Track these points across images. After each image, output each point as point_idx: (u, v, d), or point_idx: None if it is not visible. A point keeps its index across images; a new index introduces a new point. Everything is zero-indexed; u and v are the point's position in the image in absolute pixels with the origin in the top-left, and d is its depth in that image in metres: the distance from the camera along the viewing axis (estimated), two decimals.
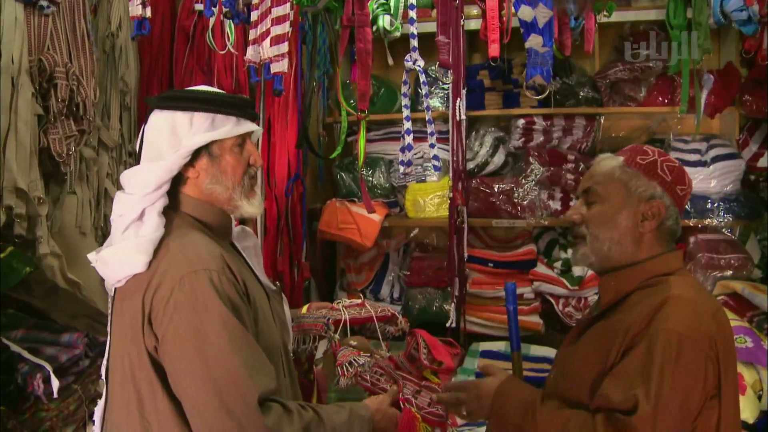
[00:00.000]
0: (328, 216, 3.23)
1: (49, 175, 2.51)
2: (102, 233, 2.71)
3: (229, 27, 2.35)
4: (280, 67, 1.98)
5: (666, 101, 3.05)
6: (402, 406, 1.74)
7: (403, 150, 2.44)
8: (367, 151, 3.30)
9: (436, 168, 2.56)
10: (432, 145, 2.54)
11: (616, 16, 2.99)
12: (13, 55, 2.26)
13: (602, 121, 3.17)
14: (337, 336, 1.90)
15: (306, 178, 3.20)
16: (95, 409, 1.61)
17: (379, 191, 3.30)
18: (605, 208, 1.54)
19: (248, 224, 3.01)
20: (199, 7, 2.82)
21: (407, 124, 2.43)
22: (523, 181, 3.11)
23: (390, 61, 3.04)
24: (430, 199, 3.18)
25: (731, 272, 2.89)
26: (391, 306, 3.25)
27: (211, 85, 2.85)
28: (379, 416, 1.64)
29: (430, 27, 2.70)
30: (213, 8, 2.24)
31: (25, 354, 2.13)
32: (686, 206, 1.57)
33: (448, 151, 2.90)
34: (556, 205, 3.12)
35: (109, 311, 1.55)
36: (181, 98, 1.53)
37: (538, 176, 3.09)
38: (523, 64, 2.75)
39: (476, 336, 3.13)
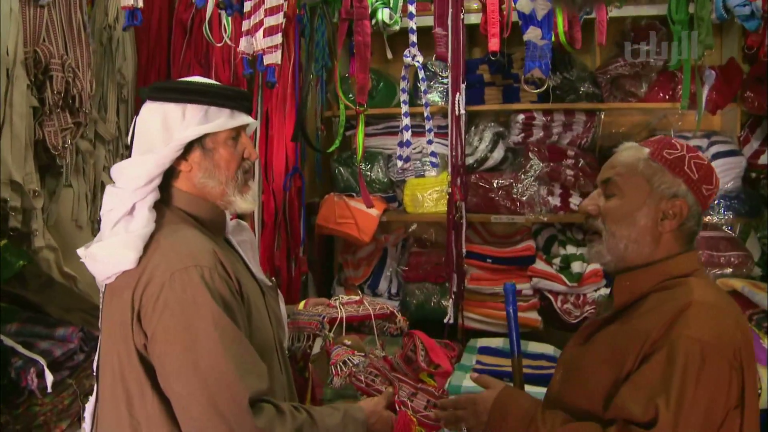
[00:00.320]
0: (326, 210, 3.21)
1: (45, 167, 2.50)
2: (98, 226, 2.69)
3: (226, 19, 2.32)
4: (273, 58, 1.96)
5: (667, 97, 3.02)
6: (398, 408, 1.71)
7: (401, 145, 2.43)
8: (366, 145, 3.28)
9: (433, 164, 2.55)
10: (430, 142, 2.53)
11: (617, 11, 2.96)
12: (8, 46, 2.24)
13: (602, 116, 3.15)
14: (331, 335, 1.87)
15: (304, 172, 3.18)
16: (86, 406, 1.59)
17: (377, 186, 3.27)
18: (624, 203, 1.45)
19: (246, 219, 2.99)
20: None
21: (406, 120, 2.42)
22: (523, 176, 3.09)
23: (389, 55, 3.02)
24: (428, 195, 3.16)
25: (731, 270, 2.87)
26: (389, 301, 3.25)
27: (209, 78, 2.82)
28: (374, 419, 1.61)
29: (430, 21, 2.67)
30: None
31: (19, 348, 2.12)
32: (710, 205, 1.55)
33: (446, 146, 2.88)
34: (555, 201, 3.10)
35: (101, 308, 1.53)
36: (173, 89, 1.49)
37: (537, 172, 3.07)
38: (523, 58, 2.72)
39: (474, 332, 3.11)
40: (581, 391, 1.42)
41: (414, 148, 3.10)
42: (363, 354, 1.83)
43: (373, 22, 2.89)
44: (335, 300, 2.01)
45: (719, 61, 3.15)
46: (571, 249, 3.10)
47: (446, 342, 2.08)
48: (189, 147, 1.47)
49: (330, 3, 2.50)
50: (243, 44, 1.98)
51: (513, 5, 2.46)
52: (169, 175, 1.49)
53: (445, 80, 3.11)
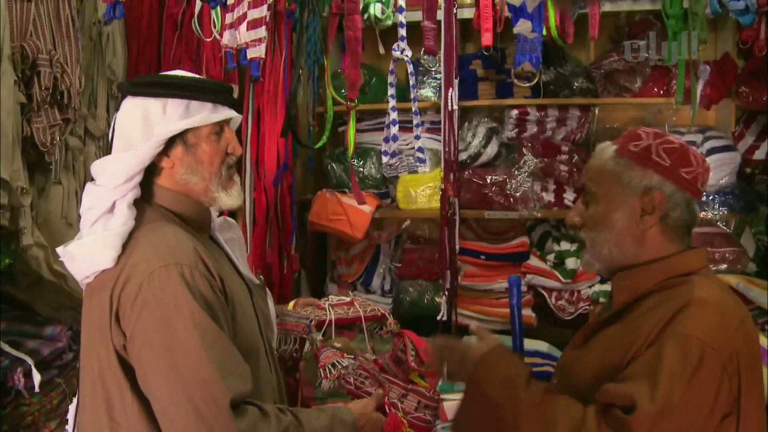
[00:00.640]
0: (319, 207, 3.19)
1: (34, 164, 2.47)
2: None
3: (216, 14, 2.29)
4: (257, 52, 1.93)
5: (661, 92, 3.00)
6: (387, 410, 1.68)
7: (387, 140, 2.40)
8: (358, 141, 3.26)
9: (420, 160, 2.52)
10: (417, 137, 2.51)
11: (612, 6, 2.95)
12: None
13: (597, 112, 3.13)
14: (319, 337, 1.85)
15: (296, 168, 3.16)
16: (69, 408, 1.57)
17: (370, 182, 3.25)
18: (600, 207, 1.40)
19: (238, 215, 2.97)
20: None
21: (393, 115, 2.40)
22: (516, 172, 3.07)
23: (381, 50, 3.01)
24: (421, 191, 3.14)
25: (726, 266, 2.86)
26: (382, 299, 3.23)
27: (200, 73, 2.80)
28: (363, 421, 1.58)
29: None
30: None
31: (6, 347, 2.10)
32: (702, 188, 1.39)
33: (439, 141, 2.86)
34: (549, 196, 3.08)
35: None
36: (153, 84, 1.46)
37: (531, 167, 3.05)
38: None
39: (468, 329, 3.09)
40: (579, 396, 1.33)
41: (407, 144, 3.08)
42: (352, 356, 1.81)
43: (365, 17, 2.88)
44: (325, 301, 1.98)
45: (714, 56, 3.13)
46: (565, 245, 3.09)
47: None
48: (170, 143, 1.44)
49: None
50: (226, 37, 1.96)
51: (506, 0, 2.44)
52: (151, 172, 1.46)
53: (438, 75, 3.08)
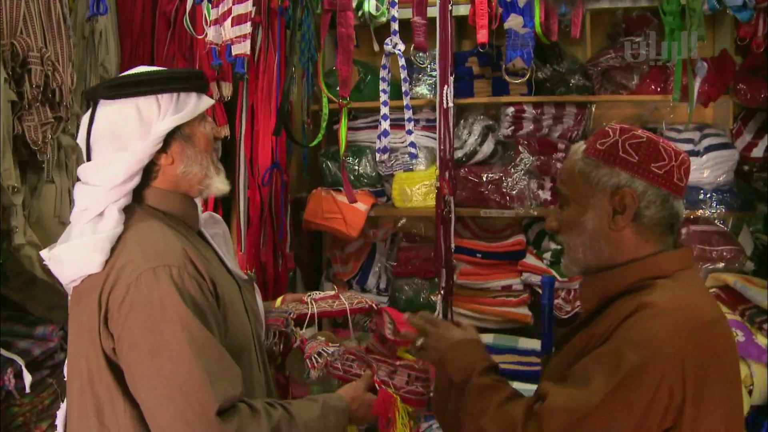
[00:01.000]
0: (314, 205, 3.17)
1: (26, 163, 2.45)
2: None
3: (208, 10, 2.27)
4: (242, 48, 1.92)
5: (659, 89, 2.97)
6: (378, 388, 1.66)
7: (379, 137, 2.38)
8: (354, 139, 3.24)
9: (412, 155, 2.50)
10: (409, 132, 2.49)
11: (609, 2, 2.93)
12: None
13: (593, 109, 3.11)
14: (299, 331, 1.83)
15: (292, 166, 3.14)
16: (57, 413, 1.54)
17: (365, 180, 3.23)
18: (572, 210, 1.36)
19: (232, 214, 2.96)
20: None
21: (384, 110, 2.38)
22: (513, 170, 3.05)
23: (376, 48, 2.98)
24: (417, 189, 3.12)
25: (723, 264, 2.83)
26: (378, 297, 3.22)
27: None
28: (355, 405, 1.58)
29: None
30: None
31: None
32: (680, 183, 1.31)
33: (435, 139, 2.84)
34: (545, 194, 3.06)
35: (70, 311, 1.49)
36: (138, 83, 1.43)
37: (527, 165, 3.03)
38: None
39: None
40: None
41: (402, 141, 3.06)
42: (337, 345, 1.79)
43: (360, 14, 2.86)
44: (308, 296, 1.96)
45: (711, 52, 3.11)
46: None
47: None
48: (167, 139, 1.43)
49: None
50: (211, 34, 1.94)
51: None
52: (145, 173, 1.44)
53: (433, 73, 3.06)
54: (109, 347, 1.33)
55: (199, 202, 1.60)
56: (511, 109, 3.04)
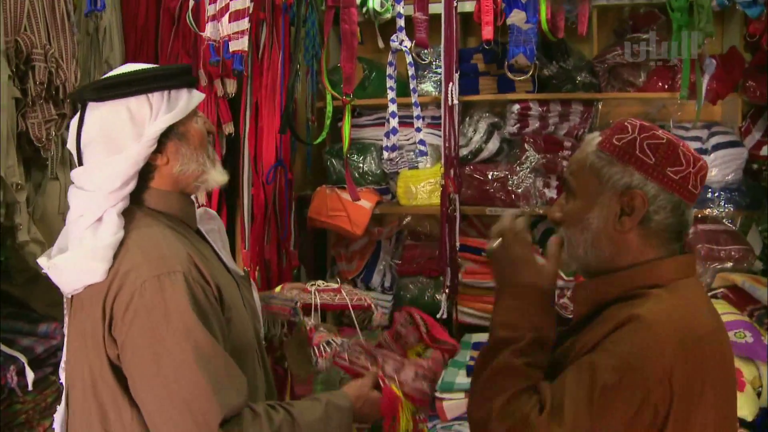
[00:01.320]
0: (318, 203, 3.15)
1: (30, 160, 2.45)
2: None
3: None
4: (240, 45, 1.89)
5: (666, 87, 2.94)
6: (382, 384, 1.62)
7: (387, 135, 2.36)
8: (359, 136, 3.23)
9: (421, 153, 2.48)
10: (418, 129, 2.47)
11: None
12: None
13: (600, 107, 3.08)
14: (307, 321, 1.80)
15: (296, 164, 3.13)
16: (55, 416, 1.52)
17: (370, 178, 3.22)
18: (578, 204, 1.29)
19: (236, 211, 2.95)
20: None
21: (392, 107, 2.36)
22: (518, 168, 3.02)
23: (381, 44, 2.96)
24: (422, 187, 3.10)
25: (731, 264, 2.80)
26: (382, 295, 3.21)
27: (197, 68, 2.77)
28: (360, 403, 1.54)
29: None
30: None
31: None
32: (695, 190, 1.25)
33: (440, 136, 2.82)
34: (551, 193, 3.03)
35: (65, 315, 1.46)
36: (127, 82, 1.39)
37: (533, 163, 3.00)
38: None
39: (469, 327, 3.06)
40: None
41: (407, 139, 3.04)
42: (345, 338, 1.77)
43: (364, 10, 2.84)
44: (311, 285, 1.93)
45: (720, 49, 3.08)
46: None
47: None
48: (162, 138, 1.40)
49: None
50: (209, 30, 1.92)
51: None
52: (142, 176, 1.41)
53: (438, 70, 3.04)
54: (114, 354, 1.31)
55: (202, 196, 1.58)
56: (516, 107, 3.02)
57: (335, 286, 1.96)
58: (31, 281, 2.44)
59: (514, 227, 1.35)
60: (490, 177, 3.04)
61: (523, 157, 3.03)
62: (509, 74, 2.88)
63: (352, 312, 1.88)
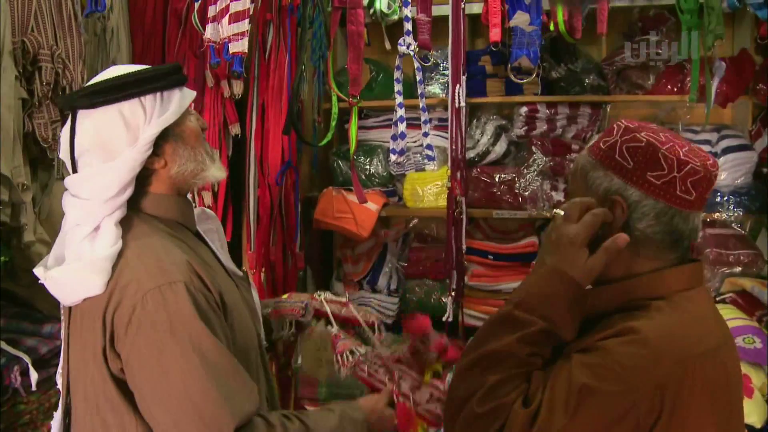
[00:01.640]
0: (324, 205, 3.14)
1: (37, 160, 2.46)
2: None
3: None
4: (240, 46, 1.88)
5: (675, 89, 2.92)
6: (396, 400, 1.61)
7: (395, 138, 2.35)
8: (365, 138, 3.22)
9: (429, 158, 2.47)
10: (425, 134, 2.45)
11: (625, 1, 2.88)
12: None
13: (608, 109, 3.06)
14: (332, 329, 1.79)
15: (302, 165, 3.12)
16: (52, 423, 1.49)
17: (377, 180, 3.21)
18: None
19: (242, 213, 2.95)
20: None
21: (400, 111, 2.35)
22: (526, 171, 3.00)
23: (388, 46, 2.95)
24: (428, 189, 3.08)
25: (740, 269, 2.77)
26: (388, 298, 3.19)
27: (203, 69, 2.77)
28: (374, 417, 1.53)
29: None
30: None
31: (3, 345, 2.08)
32: (687, 196, 1.15)
33: (447, 139, 2.81)
34: (559, 196, 3.01)
35: (63, 320, 1.43)
36: (117, 86, 1.34)
37: (540, 166, 2.98)
38: None
39: (474, 330, 3.04)
40: None
41: (414, 141, 3.03)
42: (368, 347, 1.75)
43: (371, 11, 2.83)
44: (318, 295, 1.92)
45: (730, 51, 3.05)
46: None
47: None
48: (157, 141, 1.36)
49: None
50: (209, 31, 1.90)
51: None
52: (139, 181, 1.37)
53: (445, 72, 3.03)
54: (117, 368, 1.28)
55: (208, 197, 1.56)
56: (524, 109, 3.00)
57: (343, 299, 1.93)
58: (36, 281, 2.44)
59: (595, 214, 1.19)
60: (497, 180, 3.03)
61: (531, 160, 3.01)
62: (512, 76, 2.86)
63: (364, 326, 1.85)
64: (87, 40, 2.55)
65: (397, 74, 2.47)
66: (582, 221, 1.17)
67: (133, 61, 2.86)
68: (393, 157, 2.47)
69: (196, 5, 2.26)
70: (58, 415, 1.46)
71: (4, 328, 2.20)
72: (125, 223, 1.35)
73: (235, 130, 2.88)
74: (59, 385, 1.48)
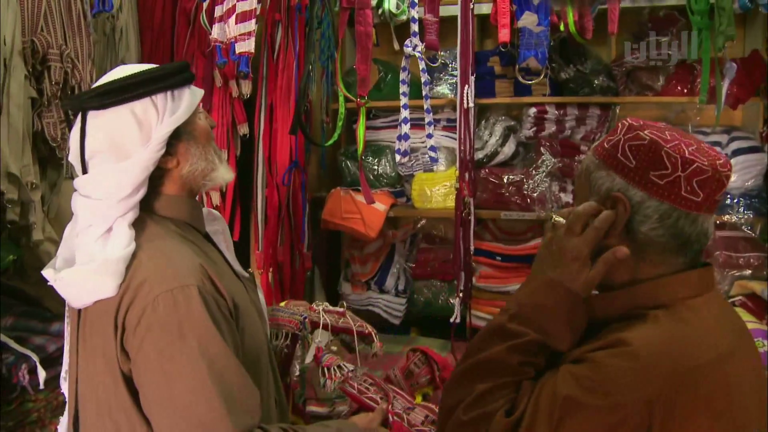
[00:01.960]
0: (332, 205, 3.14)
1: (46, 159, 2.47)
2: None
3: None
4: (246, 46, 1.88)
5: (685, 91, 2.90)
6: (391, 418, 1.61)
7: (399, 138, 2.35)
8: (374, 138, 3.21)
9: (432, 159, 2.46)
10: (430, 135, 2.45)
11: (635, 1, 2.87)
12: (6, 36, 2.21)
13: (617, 111, 3.04)
14: (315, 339, 1.79)
15: (310, 166, 3.12)
16: (59, 427, 1.48)
17: (385, 180, 3.20)
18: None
19: (250, 213, 2.95)
20: None
21: (405, 112, 2.35)
22: (534, 172, 2.99)
23: (396, 46, 2.95)
24: (437, 190, 3.08)
25: (750, 272, 2.75)
26: (396, 298, 3.19)
27: (212, 69, 2.78)
28: None
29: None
30: None
31: (11, 343, 2.09)
32: (694, 197, 1.09)
33: (455, 139, 2.80)
34: (567, 197, 3.00)
35: (67, 323, 1.43)
36: (128, 86, 1.33)
37: (549, 167, 2.97)
38: None
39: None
40: None
41: (422, 142, 3.03)
42: (352, 367, 1.74)
43: (380, 12, 2.83)
44: (317, 305, 1.91)
45: (741, 52, 3.02)
46: None
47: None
48: (169, 140, 1.35)
49: None
50: (216, 31, 1.90)
51: None
52: (151, 182, 1.36)
53: (454, 72, 3.02)
54: (128, 368, 1.27)
55: (216, 197, 1.55)
56: (533, 110, 2.99)
57: (341, 309, 1.91)
58: (45, 280, 2.45)
59: (593, 218, 1.16)
60: (505, 181, 3.02)
61: (539, 161, 3.00)
62: (520, 77, 2.85)
63: (355, 337, 1.83)
64: (96, 39, 2.56)
65: (403, 75, 2.46)
66: (585, 235, 1.13)
67: (142, 61, 2.86)
68: (398, 158, 2.47)
69: (205, 5, 2.26)
70: (64, 420, 1.44)
71: (13, 326, 2.21)
72: (138, 225, 1.33)
73: (243, 129, 2.88)
74: (63, 390, 1.46)
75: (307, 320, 1.78)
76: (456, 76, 2.88)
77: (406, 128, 2.36)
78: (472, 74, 2.67)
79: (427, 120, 2.47)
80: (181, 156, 1.39)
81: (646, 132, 1.12)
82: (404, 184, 3.26)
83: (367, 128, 2.76)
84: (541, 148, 3.01)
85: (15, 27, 2.22)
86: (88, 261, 1.27)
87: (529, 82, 2.86)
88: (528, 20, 2.25)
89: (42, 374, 2.06)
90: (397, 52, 3.03)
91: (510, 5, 2.58)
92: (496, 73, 3.03)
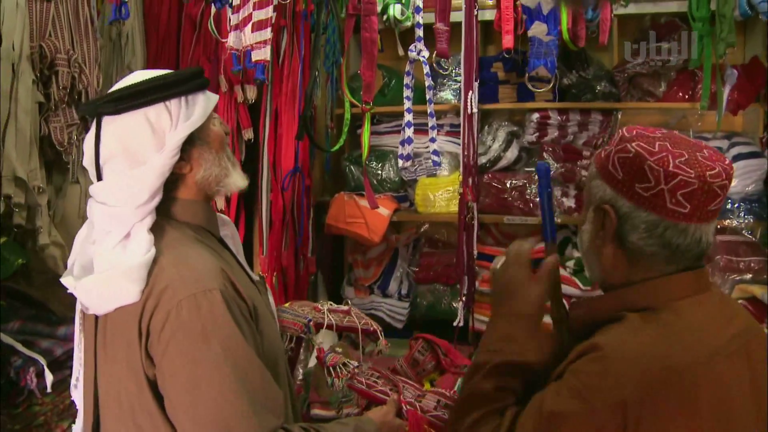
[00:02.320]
0: (336, 210, 3.16)
1: (52, 164, 2.48)
2: None
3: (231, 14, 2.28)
4: (262, 54, 1.89)
5: (686, 97, 2.93)
6: (405, 408, 1.61)
7: (402, 143, 2.37)
8: (378, 143, 3.23)
9: (435, 163, 2.48)
10: (432, 140, 2.47)
11: (636, 8, 2.89)
12: (14, 41, 2.22)
13: (619, 116, 3.06)
14: (318, 340, 1.80)
15: (314, 170, 3.14)
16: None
17: (388, 185, 3.22)
18: (581, 216, 1.26)
19: (254, 217, 2.96)
20: None
21: (408, 117, 2.37)
22: (537, 177, 3.01)
23: (401, 52, 2.97)
24: (440, 194, 3.10)
25: (751, 276, 2.77)
26: (399, 302, 3.20)
27: (217, 74, 2.79)
28: (385, 429, 1.52)
29: None
30: None
31: (19, 347, 2.10)
32: (680, 208, 1.11)
33: (459, 144, 2.82)
34: (570, 202, 3.02)
35: (79, 329, 1.43)
36: (143, 92, 1.33)
37: (551, 173, 2.99)
38: None
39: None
40: None
41: (426, 147, 3.04)
42: (356, 364, 1.75)
43: (385, 18, 2.86)
44: (322, 304, 1.92)
45: (742, 59, 3.05)
46: None
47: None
48: (183, 146, 1.35)
49: None
50: (231, 39, 1.92)
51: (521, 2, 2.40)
52: (166, 187, 1.36)
53: (458, 78, 3.04)
54: (153, 373, 1.27)
55: (221, 202, 1.56)
56: (536, 116, 3.01)
57: (345, 307, 1.92)
58: (50, 283, 2.46)
59: (519, 249, 1.31)
60: (508, 185, 3.04)
61: None
62: (530, 86, 2.87)
63: (360, 335, 1.84)
64: (102, 44, 2.57)
65: (407, 80, 2.48)
66: (517, 263, 1.28)
67: (147, 66, 2.88)
68: (401, 162, 2.49)
69: (212, 11, 2.28)
70: (79, 428, 1.43)
71: (20, 330, 2.22)
72: (156, 230, 1.33)
73: (248, 134, 2.89)
74: (74, 397, 1.46)
75: (311, 323, 1.79)
76: (459, 82, 2.90)
77: (409, 132, 2.38)
78: (476, 80, 2.69)
79: (430, 124, 2.49)
80: (195, 161, 1.39)
81: (633, 144, 1.14)
82: (408, 188, 3.28)
83: (372, 133, 2.78)
84: (544, 153, 3.03)
85: (23, 32, 2.24)
86: (109, 267, 1.27)
87: (539, 90, 2.87)
88: (538, 29, 2.28)
89: (49, 378, 2.06)
90: (401, 57, 3.05)
91: (513, 12, 2.61)
92: (499, 78, 3.05)
